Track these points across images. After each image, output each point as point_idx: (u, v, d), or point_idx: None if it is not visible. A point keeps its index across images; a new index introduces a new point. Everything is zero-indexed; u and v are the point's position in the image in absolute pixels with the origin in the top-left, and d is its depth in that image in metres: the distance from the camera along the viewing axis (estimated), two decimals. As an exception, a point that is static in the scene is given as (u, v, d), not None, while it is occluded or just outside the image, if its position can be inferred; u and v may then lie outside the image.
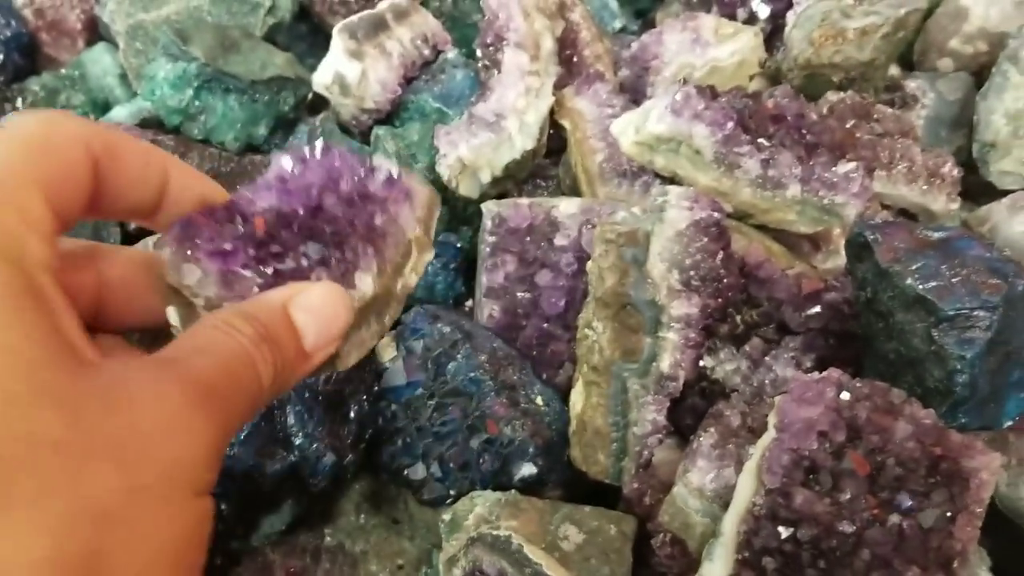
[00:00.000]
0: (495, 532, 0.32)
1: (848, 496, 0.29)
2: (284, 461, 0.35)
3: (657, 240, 0.37)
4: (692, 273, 0.37)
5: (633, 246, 0.37)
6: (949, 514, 0.28)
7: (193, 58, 0.45)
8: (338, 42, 0.48)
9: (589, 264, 0.38)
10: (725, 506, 0.33)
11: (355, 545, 0.42)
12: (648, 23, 0.64)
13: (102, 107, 0.55)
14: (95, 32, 0.58)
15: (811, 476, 0.30)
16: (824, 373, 0.31)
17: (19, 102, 0.54)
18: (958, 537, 0.28)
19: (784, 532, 0.29)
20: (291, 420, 0.36)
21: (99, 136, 0.24)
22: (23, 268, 0.21)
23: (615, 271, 0.37)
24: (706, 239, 0.37)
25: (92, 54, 0.55)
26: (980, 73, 0.53)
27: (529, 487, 0.38)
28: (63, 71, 0.55)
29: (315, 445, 0.36)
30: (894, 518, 0.28)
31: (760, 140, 0.41)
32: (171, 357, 0.23)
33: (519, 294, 0.43)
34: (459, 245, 0.47)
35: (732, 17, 0.55)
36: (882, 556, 0.28)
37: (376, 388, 0.41)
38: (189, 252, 0.25)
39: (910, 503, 0.28)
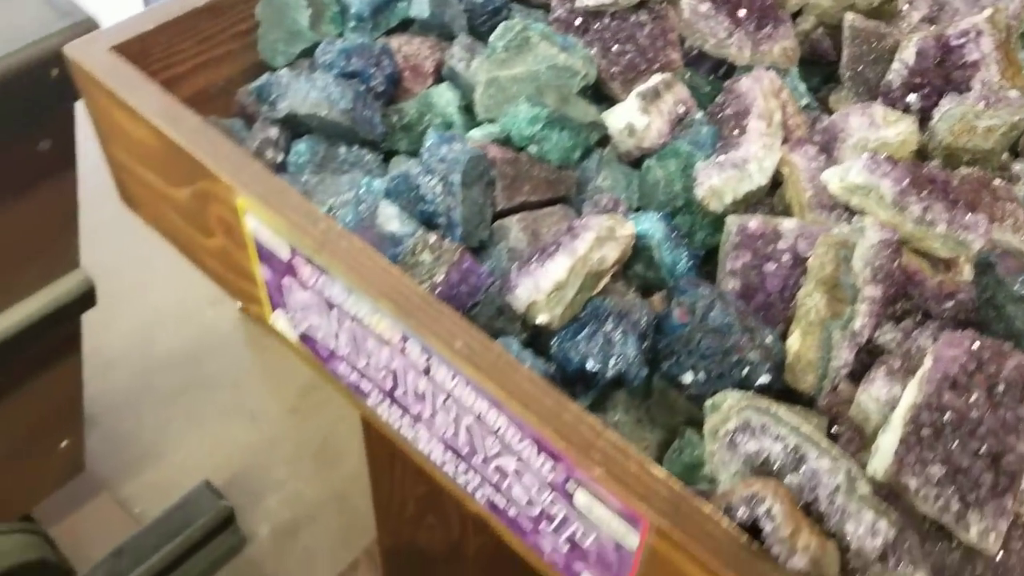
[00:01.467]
0: (758, 404, 0.55)
1: (975, 398, 0.51)
2: (616, 368, 0.59)
3: (859, 248, 0.60)
4: (878, 270, 0.60)
5: (844, 249, 0.60)
6: (1034, 411, 0.51)
7: (546, 105, 0.70)
8: (635, 102, 0.72)
9: (811, 259, 0.62)
10: (892, 409, 0.55)
11: (618, 431, 0.66)
12: (820, 100, 0.87)
13: (447, 126, 0.80)
14: (438, 74, 0.84)
15: (953, 386, 0.52)
16: (963, 331, 0.53)
17: (395, 118, 0.80)
18: (1038, 422, 0.51)
19: (936, 415, 0.52)
20: (624, 340, 0.59)
21: None
22: None
23: (832, 263, 0.60)
24: (888, 251, 0.60)
25: (438, 90, 0.81)
26: (1069, 163, 0.76)
27: (762, 391, 0.61)
28: (416, 99, 0.81)
29: (637, 358, 0.60)
30: (1002, 411, 0.51)
31: (922, 194, 0.64)
32: None
33: (751, 275, 0.66)
34: (695, 255, 0.70)
35: (893, 107, 0.78)
36: (994, 430, 0.51)
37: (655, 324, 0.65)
38: None
39: (1012, 404, 0.51)
